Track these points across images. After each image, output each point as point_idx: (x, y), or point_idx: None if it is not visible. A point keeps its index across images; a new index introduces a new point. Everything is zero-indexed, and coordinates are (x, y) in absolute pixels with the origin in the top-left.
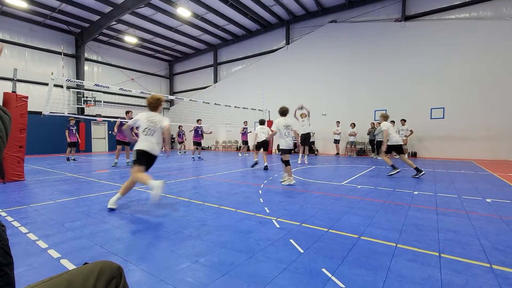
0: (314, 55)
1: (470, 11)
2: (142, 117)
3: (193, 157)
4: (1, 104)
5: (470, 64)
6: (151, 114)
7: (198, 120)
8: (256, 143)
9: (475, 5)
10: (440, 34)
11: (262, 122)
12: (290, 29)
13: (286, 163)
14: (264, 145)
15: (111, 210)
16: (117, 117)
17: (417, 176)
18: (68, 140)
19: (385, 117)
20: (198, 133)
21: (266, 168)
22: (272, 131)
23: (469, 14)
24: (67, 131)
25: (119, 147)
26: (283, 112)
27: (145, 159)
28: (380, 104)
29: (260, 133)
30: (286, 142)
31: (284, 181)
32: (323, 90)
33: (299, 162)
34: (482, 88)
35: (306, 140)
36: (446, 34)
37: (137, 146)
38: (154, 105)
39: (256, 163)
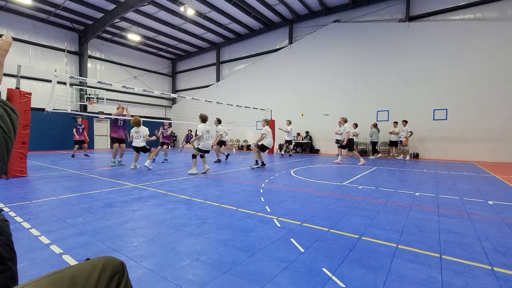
0: (317, 54)
1: (475, 12)
2: (133, 131)
3: (166, 159)
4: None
5: (474, 65)
6: (137, 128)
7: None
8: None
9: (480, 6)
10: (445, 35)
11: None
12: (293, 29)
13: (193, 156)
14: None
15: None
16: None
17: (256, 167)
18: (77, 138)
19: (267, 122)
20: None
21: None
22: (198, 134)
23: (474, 15)
24: (74, 129)
25: (115, 145)
26: (204, 119)
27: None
28: (382, 104)
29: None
30: (205, 144)
31: (191, 171)
32: (326, 90)
33: (337, 160)
34: (486, 90)
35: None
36: (451, 35)
37: (133, 144)
38: (137, 122)
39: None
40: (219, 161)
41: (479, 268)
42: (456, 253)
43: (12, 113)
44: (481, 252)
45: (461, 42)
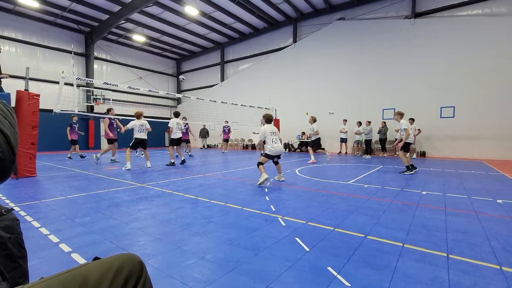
0: (321, 53)
1: (483, 8)
2: (137, 123)
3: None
4: (15, 103)
5: (482, 62)
6: (141, 121)
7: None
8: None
9: (488, 1)
10: (451, 31)
11: (177, 115)
12: (298, 27)
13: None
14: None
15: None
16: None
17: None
18: (69, 137)
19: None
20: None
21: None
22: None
23: (482, 11)
24: (68, 128)
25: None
26: (139, 116)
27: (138, 143)
28: (388, 102)
29: (176, 129)
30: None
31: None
32: (330, 88)
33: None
34: (494, 87)
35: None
36: (458, 31)
37: (136, 136)
38: (139, 115)
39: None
40: (183, 161)
41: (487, 268)
42: (464, 252)
43: (12, 111)
44: (489, 251)
45: (468, 39)
